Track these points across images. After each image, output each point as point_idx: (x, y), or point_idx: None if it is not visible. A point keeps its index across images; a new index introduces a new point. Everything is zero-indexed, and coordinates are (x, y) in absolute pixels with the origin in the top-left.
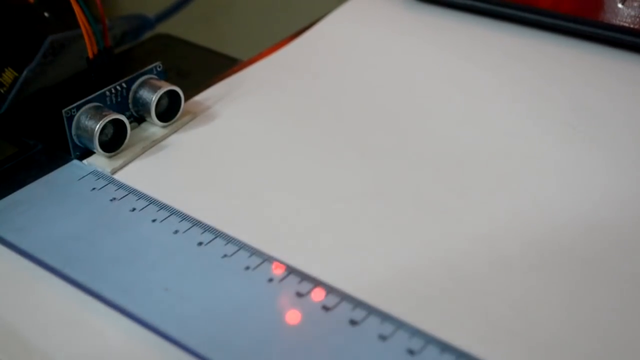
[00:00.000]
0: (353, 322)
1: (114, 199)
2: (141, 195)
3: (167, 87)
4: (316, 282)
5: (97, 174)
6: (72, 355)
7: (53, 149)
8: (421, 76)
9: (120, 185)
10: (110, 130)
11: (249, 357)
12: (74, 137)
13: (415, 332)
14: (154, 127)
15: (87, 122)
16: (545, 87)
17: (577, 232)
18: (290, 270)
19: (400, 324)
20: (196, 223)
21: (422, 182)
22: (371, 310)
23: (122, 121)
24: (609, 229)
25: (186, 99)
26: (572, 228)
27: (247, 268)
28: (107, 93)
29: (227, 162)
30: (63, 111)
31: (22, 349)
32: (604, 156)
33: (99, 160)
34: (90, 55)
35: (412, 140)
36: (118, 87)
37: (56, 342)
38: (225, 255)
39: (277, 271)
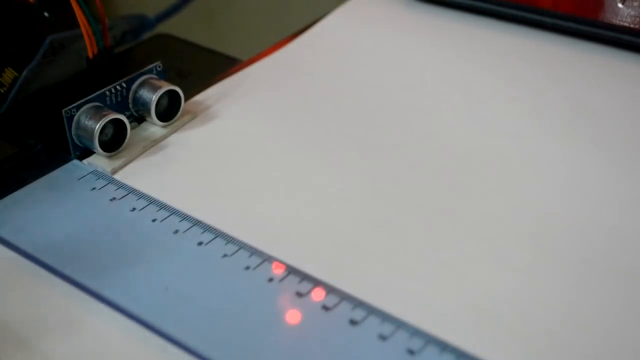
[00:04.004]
0: (353, 322)
1: (114, 198)
2: (141, 195)
3: (167, 86)
4: (316, 282)
5: (97, 174)
6: (72, 355)
7: (53, 149)
8: (421, 76)
9: (120, 185)
10: (110, 130)
11: (249, 356)
12: (74, 137)
13: (415, 332)
14: (154, 127)
15: (87, 122)
16: (545, 87)
17: (577, 232)
18: (290, 270)
19: (400, 324)
20: (196, 223)
21: (422, 182)
22: (371, 310)
23: (122, 121)
24: (609, 229)
25: (186, 99)
26: (572, 227)
27: (247, 268)
28: (107, 93)
29: (227, 161)
30: (63, 111)
31: (22, 349)
32: (604, 156)
33: (99, 160)
34: (90, 55)
35: (412, 140)
36: (118, 87)
37: (56, 342)
38: (225, 255)
39: (277, 271)
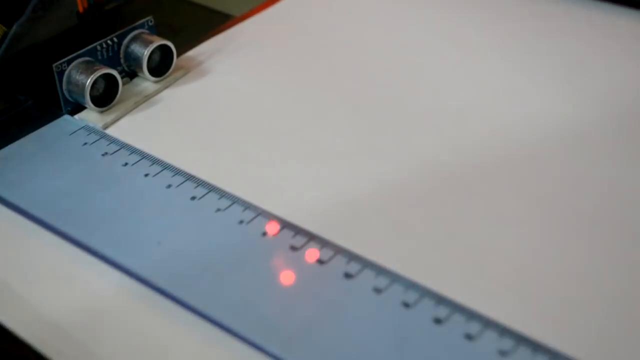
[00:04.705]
0: (348, 275)
1: (106, 153)
2: (133, 150)
3: (158, 41)
4: (310, 236)
5: (89, 129)
6: (64, 309)
7: (44, 104)
8: (415, 32)
9: (112, 140)
10: (101, 85)
11: (242, 310)
12: (65, 92)
13: (410, 285)
14: (146, 82)
15: (78, 77)
16: (542, 43)
17: (572, 186)
18: (285, 224)
19: (395, 277)
20: (189, 177)
21: (417, 138)
22: (366, 263)
23: (113, 76)
24: (605, 183)
25: (178, 55)
26: (568, 182)
27: (241, 222)
28: (98, 47)
29: (219, 117)
30: (53, 65)
31: (13, 302)
32: (600, 114)
33: (90, 115)
34: (81, 10)
35: (406, 96)
36: (109, 42)
37: (48, 295)
38: (218, 210)
39: (271, 225)
